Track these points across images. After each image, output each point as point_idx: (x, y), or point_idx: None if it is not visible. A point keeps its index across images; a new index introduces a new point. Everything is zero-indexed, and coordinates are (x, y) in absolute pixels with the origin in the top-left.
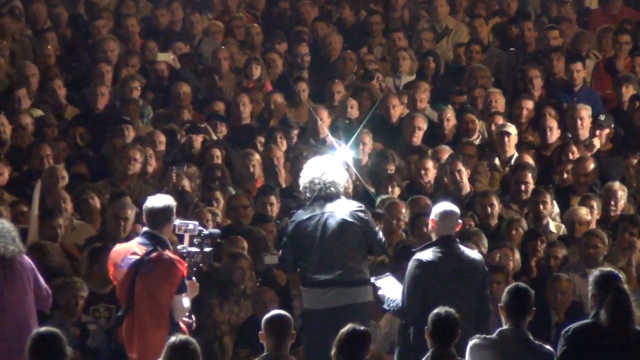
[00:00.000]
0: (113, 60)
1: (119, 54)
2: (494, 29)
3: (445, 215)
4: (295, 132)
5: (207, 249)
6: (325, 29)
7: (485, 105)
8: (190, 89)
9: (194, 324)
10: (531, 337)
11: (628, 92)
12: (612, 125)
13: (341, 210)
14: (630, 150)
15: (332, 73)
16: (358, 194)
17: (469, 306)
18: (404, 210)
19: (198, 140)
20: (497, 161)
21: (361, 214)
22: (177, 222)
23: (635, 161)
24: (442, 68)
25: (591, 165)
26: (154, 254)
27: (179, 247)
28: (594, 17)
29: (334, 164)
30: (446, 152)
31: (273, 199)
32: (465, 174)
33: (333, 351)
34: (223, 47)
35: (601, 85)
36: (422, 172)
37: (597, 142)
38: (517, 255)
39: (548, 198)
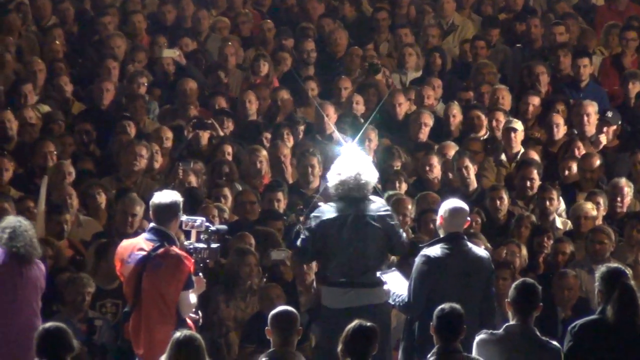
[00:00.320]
0: (120, 57)
1: (125, 50)
2: (500, 25)
3: (454, 212)
4: (302, 128)
5: (214, 245)
6: (331, 25)
7: (492, 101)
8: (196, 85)
9: (201, 320)
10: (538, 333)
11: (635, 88)
12: (619, 122)
13: (367, 211)
14: (637, 147)
15: (338, 69)
16: None
17: (475, 303)
18: (410, 207)
19: (205, 136)
20: (503, 157)
21: (387, 218)
22: (184, 218)
23: None
24: (448, 64)
25: (597, 162)
26: (160, 250)
27: (185, 242)
28: (600, 13)
29: (368, 165)
30: (451, 148)
31: (280, 195)
32: (472, 170)
33: (339, 347)
34: (230, 43)
35: (608, 82)
36: (427, 168)
37: (603, 139)
38: (524, 252)
39: (554, 194)
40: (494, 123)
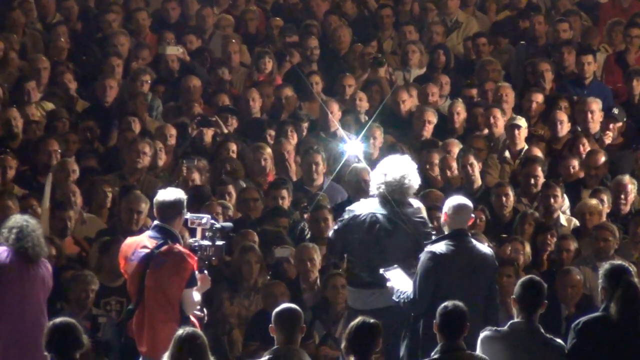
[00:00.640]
0: (124, 54)
1: (129, 47)
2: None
3: (459, 209)
4: (306, 125)
5: (219, 243)
6: (336, 22)
7: (495, 98)
8: (200, 82)
9: (206, 318)
10: (542, 330)
11: (639, 85)
12: (625, 119)
13: (402, 214)
14: None
15: (341, 66)
16: None
17: (479, 300)
18: None
19: (209, 133)
20: (507, 154)
21: (420, 225)
22: (190, 215)
23: None
24: (452, 62)
25: (602, 159)
26: (164, 248)
27: (190, 240)
28: (604, 10)
29: (413, 169)
30: (455, 145)
31: (285, 192)
32: (477, 167)
33: (343, 344)
34: (233, 41)
35: (612, 79)
36: (427, 166)
37: (609, 136)
38: (528, 249)
39: (559, 191)
40: (492, 120)
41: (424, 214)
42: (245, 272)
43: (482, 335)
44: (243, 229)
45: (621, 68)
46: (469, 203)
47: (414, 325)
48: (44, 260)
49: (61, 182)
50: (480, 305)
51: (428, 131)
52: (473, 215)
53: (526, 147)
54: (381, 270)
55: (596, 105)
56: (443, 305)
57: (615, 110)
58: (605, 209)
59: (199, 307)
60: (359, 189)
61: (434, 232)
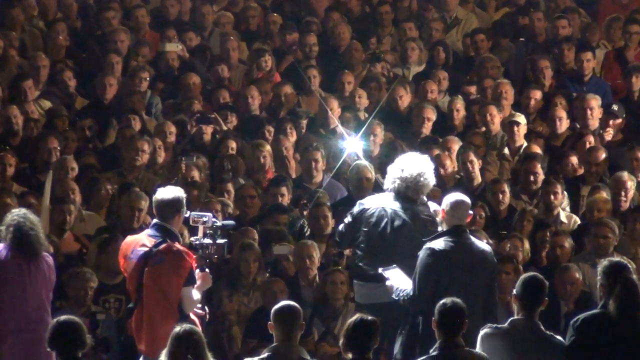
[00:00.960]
0: (123, 51)
1: (128, 45)
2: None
3: (456, 205)
4: (304, 122)
5: (220, 241)
6: (337, 19)
7: (495, 96)
8: (199, 79)
9: (208, 316)
10: (542, 328)
11: (638, 82)
12: (624, 115)
13: (411, 211)
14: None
15: (341, 63)
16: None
17: (478, 296)
18: None
19: (208, 130)
20: (506, 151)
21: (428, 224)
22: (192, 214)
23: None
24: (451, 58)
25: (602, 155)
26: (162, 246)
27: (192, 238)
28: (603, 6)
29: (430, 169)
30: (454, 142)
31: (284, 189)
32: (477, 164)
33: (341, 341)
34: (232, 38)
35: (611, 76)
36: None
37: (608, 132)
38: (527, 246)
39: (559, 188)
40: (488, 117)
41: (433, 214)
42: (244, 270)
43: (482, 332)
44: (240, 226)
45: (620, 64)
46: (467, 199)
47: (413, 322)
48: (46, 255)
49: (60, 179)
50: (479, 302)
51: (427, 128)
52: (471, 211)
53: (525, 144)
54: (380, 270)
55: (595, 102)
56: (442, 302)
57: (615, 107)
58: None
59: (199, 305)
60: (361, 187)
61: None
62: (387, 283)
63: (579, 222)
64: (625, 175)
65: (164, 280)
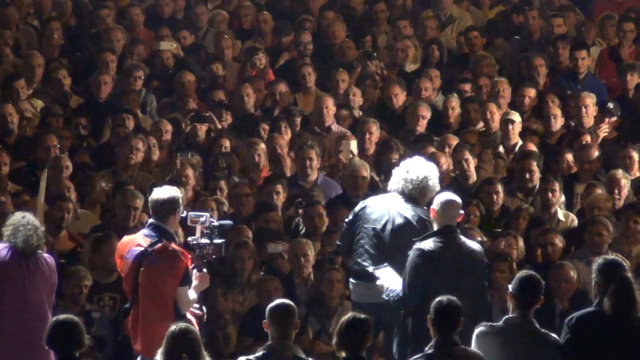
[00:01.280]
0: (118, 50)
1: (123, 43)
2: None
3: (447, 205)
4: (299, 120)
5: (217, 241)
6: (332, 17)
7: (492, 94)
8: (194, 78)
9: (205, 316)
10: (537, 326)
11: (633, 80)
12: (619, 113)
13: (411, 211)
14: (631, 140)
15: (335, 62)
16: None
17: (469, 296)
18: None
19: (202, 129)
20: (501, 149)
21: (427, 224)
22: (191, 213)
23: (633, 152)
24: (445, 56)
25: (596, 153)
26: (157, 246)
27: (189, 238)
28: (598, 4)
29: (436, 174)
30: (452, 140)
31: (279, 187)
32: (472, 163)
33: (334, 340)
34: (226, 36)
35: (605, 73)
36: None
37: (603, 130)
38: (521, 244)
39: (557, 186)
40: (488, 115)
41: (429, 216)
42: (239, 268)
43: (477, 330)
44: (235, 224)
45: (615, 62)
46: (458, 199)
47: (403, 323)
48: (46, 256)
49: (55, 178)
50: (470, 302)
51: (422, 126)
52: (462, 211)
53: (520, 142)
54: (371, 269)
55: (590, 100)
56: (437, 300)
57: (610, 105)
58: None
59: (197, 305)
60: (356, 185)
61: None
62: (378, 282)
63: (576, 220)
64: (619, 173)
65: (159, 280)
